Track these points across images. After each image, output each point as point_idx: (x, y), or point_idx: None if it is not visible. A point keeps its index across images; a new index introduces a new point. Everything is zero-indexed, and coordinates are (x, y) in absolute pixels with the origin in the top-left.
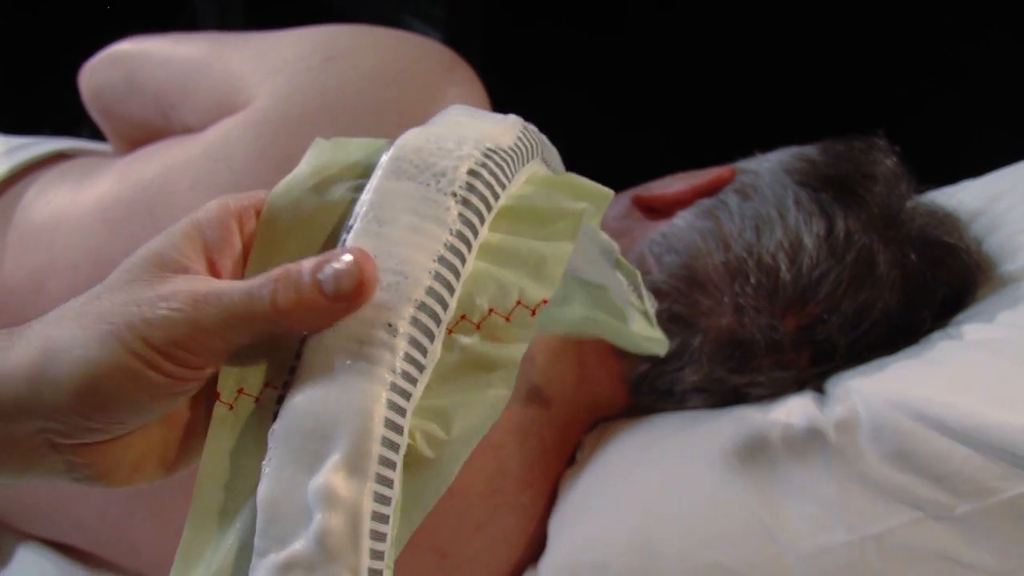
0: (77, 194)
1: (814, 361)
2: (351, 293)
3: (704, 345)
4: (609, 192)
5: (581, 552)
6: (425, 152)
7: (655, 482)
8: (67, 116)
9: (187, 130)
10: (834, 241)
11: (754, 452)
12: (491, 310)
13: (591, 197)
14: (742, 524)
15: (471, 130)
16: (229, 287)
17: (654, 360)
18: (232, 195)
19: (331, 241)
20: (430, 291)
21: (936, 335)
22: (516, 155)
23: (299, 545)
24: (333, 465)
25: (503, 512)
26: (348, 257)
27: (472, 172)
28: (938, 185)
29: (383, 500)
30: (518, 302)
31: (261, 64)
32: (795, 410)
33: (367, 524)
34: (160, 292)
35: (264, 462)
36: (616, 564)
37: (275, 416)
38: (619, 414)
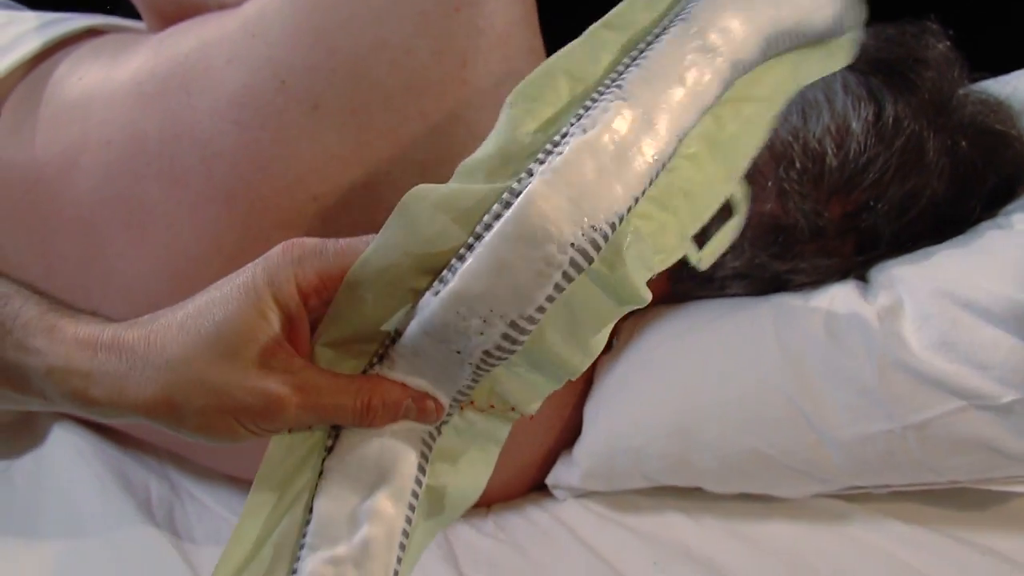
0: (111, 70)
1: (858, 249)
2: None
3: (746, 230)
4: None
5: (617, 437)
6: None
7: (693, 368)
8: None
9: (223, 5)
10: (883, 127)
11: (794, 339)
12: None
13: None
14: (781, 411)
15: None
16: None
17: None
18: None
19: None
20: (461, 391)
21: (984, 225)
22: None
23: (345, 547)
24: (385, 494)
25: None
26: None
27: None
28: (992, 73)
29: (408, 522)
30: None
31: None
32: (838, 298)
33: (398, 538)
34: (256, 385)
35: (320, 479)
36: (652, 449)
37: (328, 448)
38: (657, 301)
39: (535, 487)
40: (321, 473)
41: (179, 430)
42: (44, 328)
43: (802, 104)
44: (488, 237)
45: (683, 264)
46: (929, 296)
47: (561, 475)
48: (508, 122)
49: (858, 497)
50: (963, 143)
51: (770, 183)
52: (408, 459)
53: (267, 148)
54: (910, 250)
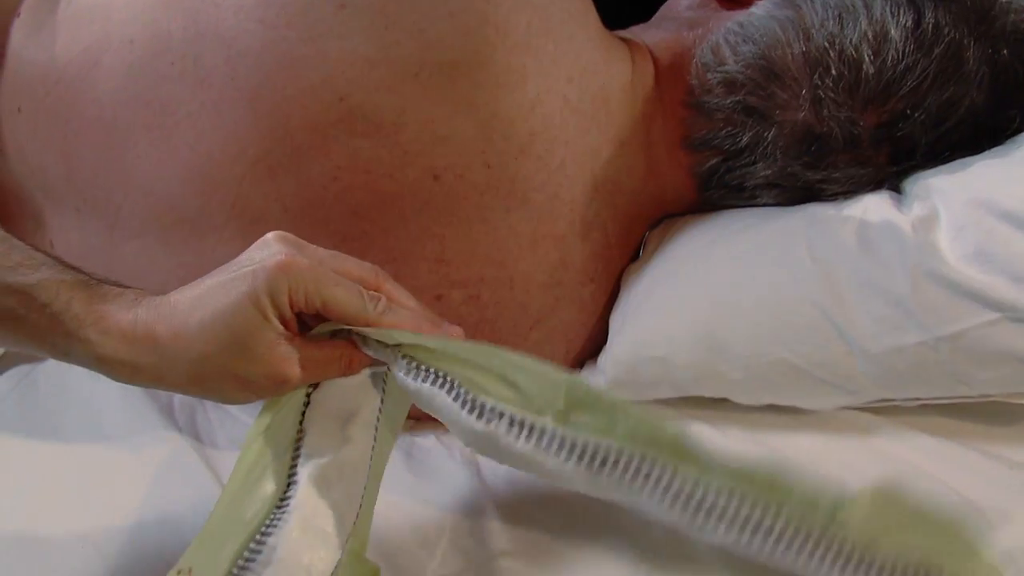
0: None
1: (893, 159)
2: None
3: (779, 139)
4: None
5: (642, 346)
6: None
7: (722, 277)
8: None
9: None
10: (921, 34)
11: (826, 249)
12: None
13: None
14: (811, 321)
15: None
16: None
17: (725, 154)
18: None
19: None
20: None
21: None
22: None
23: (330, 458)
24: (355, 423)
25: (563, 305)
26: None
27: None
28: None
29: (374, 439)
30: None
31: None
32: (871, 207)
33: (368, 453)
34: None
35: (307, 409)
36: (678, 358)
37: (314, 385)
38: (686, 210)
39: None
40: (308, 404)
41: (207, 399)
42: (93, 320)
43: (839, 10)
44: None
45: (712, 172)
46: (965, 206)
47: None
48: None
49: (886, 410)
50: (1004, 52)
51: (804, 90)
52: (371, 397)
53: (293, 47)
54: (946, 160)
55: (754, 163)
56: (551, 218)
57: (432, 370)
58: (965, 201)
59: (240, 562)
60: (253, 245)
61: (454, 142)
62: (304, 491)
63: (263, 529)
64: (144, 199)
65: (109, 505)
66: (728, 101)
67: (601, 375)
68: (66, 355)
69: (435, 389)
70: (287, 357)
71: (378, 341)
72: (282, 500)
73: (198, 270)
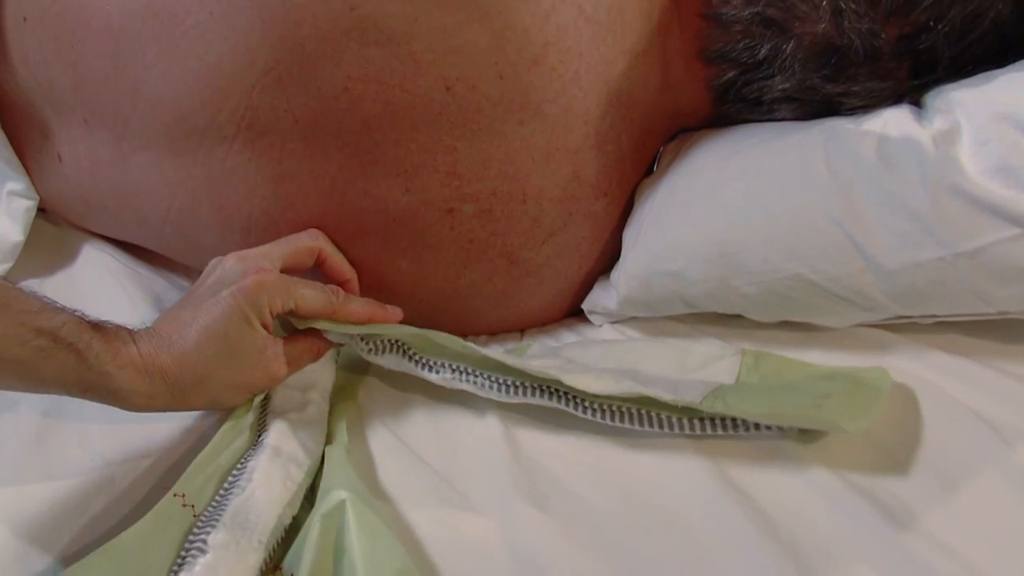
0: None
1: (914, 72)
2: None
3: (798, 51)
4: None
5: (656, 260)
6: None
7: (737, 192)
8: None
9: None
10: None
11: (844, 163)
12: None
13: None
14: (828, 236)
15: None
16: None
17: (742, 67)
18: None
19: None
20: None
21: None
22: None
23: (295, 414)
24: (315, 391)
25: (576, 220)
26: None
27: None
28: None
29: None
30: None
31: None
32: (891, 122)
33: (326, 414)
34: (264, 375)
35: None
36: (692, 273)
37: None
38: (701, 124)
39: (571, 313)
40: None
41: (213, 409)
42: (111, 356)
43: None
44: None
45: (729, 85)
46: (988, 120)
47: (598, 299)
48: None
49: (903, 327)
50: None
51: (824, 2)
52: (327, 371)
53: None
54: (969, 74)
55: (772, 76)
56: (565, 131)
57: (388, 342)
58: (988, 115)
59: (222, 491)
60: (214, 270)
61: (466, 52)
62: (273, 435)
63: (241, 461)
64: (152, 110)
65: (114, 416)
66: (746, 12)
67: (614, 290)
68: (87, 390)
69: (395, 357)
70: (276, 358)
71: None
72: (255, 445)
73: (207, 183)
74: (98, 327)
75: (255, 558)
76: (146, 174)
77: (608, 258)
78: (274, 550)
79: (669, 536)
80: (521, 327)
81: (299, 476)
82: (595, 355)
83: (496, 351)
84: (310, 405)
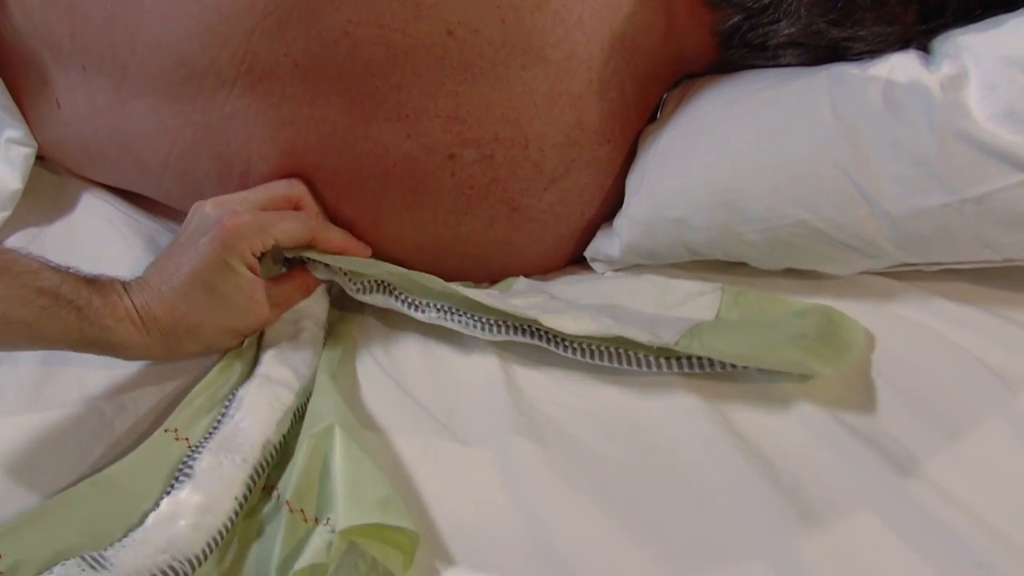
0: None
1: (922, 17)
2: None
3: None
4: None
5: (659, 207)
6: None
7: (742, 138)
8: None
9: None
10: None
11: (850, 109)
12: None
13: None
14: (833, 183)
15: None
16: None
17: (748, 11)
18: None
19: None
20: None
21: None
22: None
23: (286, 342)
24: (308, 321)
25: (579, 166)
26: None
27: None
28: None
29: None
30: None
31: None
32: (897, 67)
33: (322, 338)
34: (254, 318)
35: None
36: (696, 220)
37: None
38: (706, 70)
39: (573, 260)
40: None
41: (208, 354)
42: (109, 311)
43: None
44: None
45: (734, 30)
46: (997, 64)
47: (601, 247)
48: None
49: (907, 275)
50: None
51: None
52: (319, 304)
53: None
54: (978, 19)
55: (778, 21)
56: (568, 76)
57: (374, 282)
58: (997, 59)
59: (215, 423)
60: (194, 216)
61: None
62: (264, 364)
63: (233, 392)
64: (151, 55)
65: (112, 363)
66: None
67: (616, 238)
68: (88, 345)
69: (381, 296)
70: (264, 300)
71: (325, 265)
72: (249, 376)
73: (207, 129)
74: (93, 282)
75: (240, 475)
76: (145, 120)
77: (611, 205)
78: (264, 468)
79: (671, 482)
80: (522, 274)
81: (288, 398)
82: (579, 291)
83: (477, 292)
84: (303, 332)
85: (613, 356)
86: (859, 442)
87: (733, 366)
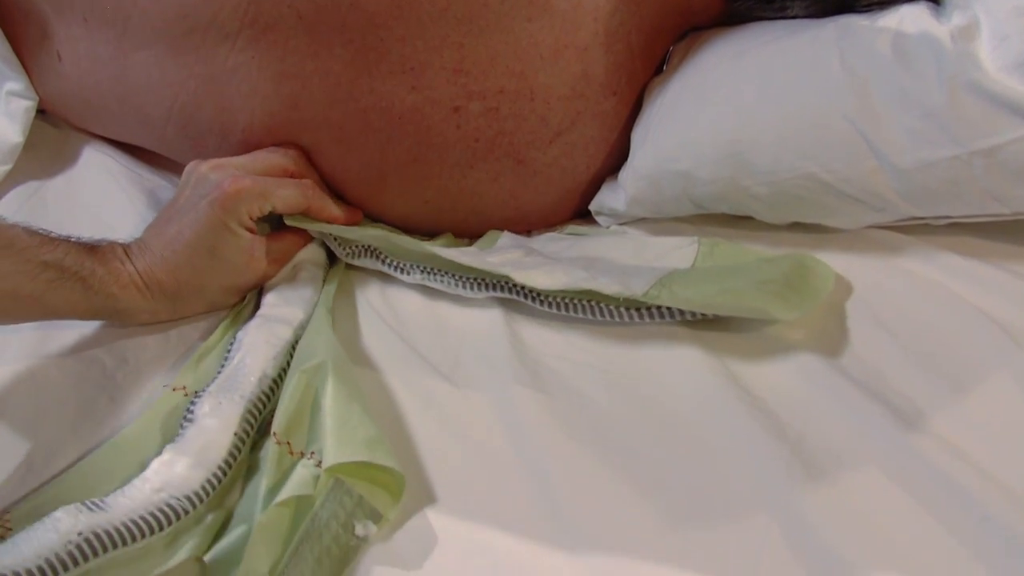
0: None
1: None
2: None
3: None
4: None
5: (665, 160)
6: None
7: (749, 89)
8: None
9: None
10: None
11: (859, 60)
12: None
13: None
14: (841, 135)
15: None
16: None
17: None
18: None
19: None
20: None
21: None
22: None
23: (284, 284)
24: (307, 261)
25: (584, 119)
26: None
27: None
28: None
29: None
30: None
31: None
32: (907, 18)
33: (322, 276)
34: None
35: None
36: (702, 172)
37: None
38: (712, 22)
39: (578, 214)
40: None
41: (212, 311)
42: (112, 278)
43: None
44: None
45: None
46: (1009, 15)
47: (606, 200)
48: None
49: (915, 229)
50: None
51: None
52: (318, 251)
53: None
54: None
55: None
56: (574, 28)
57: (362, 247)
58: (1010, 9)
59: (218, 369)
60: (191, 177)
61: None
62: (263, 307)
63: (234, 339)
64: (154, 7)
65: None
66: None
67: (621, 191)
68: (95, 313)
69: (370, 260)
70: (263, 257)
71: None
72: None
73: (210, 82)
74: (94, 250)
75: (237, 411)
76: (147, 73)
77: (616, 158)
78: (264, 403)
79: (673, 435)
80: (527, 228)
81: (286, 333)
82: (561, 247)
83: (454, 251)
84: (301, 272)
85: (584, 308)
86: (864, 396)
87: (703, 315)
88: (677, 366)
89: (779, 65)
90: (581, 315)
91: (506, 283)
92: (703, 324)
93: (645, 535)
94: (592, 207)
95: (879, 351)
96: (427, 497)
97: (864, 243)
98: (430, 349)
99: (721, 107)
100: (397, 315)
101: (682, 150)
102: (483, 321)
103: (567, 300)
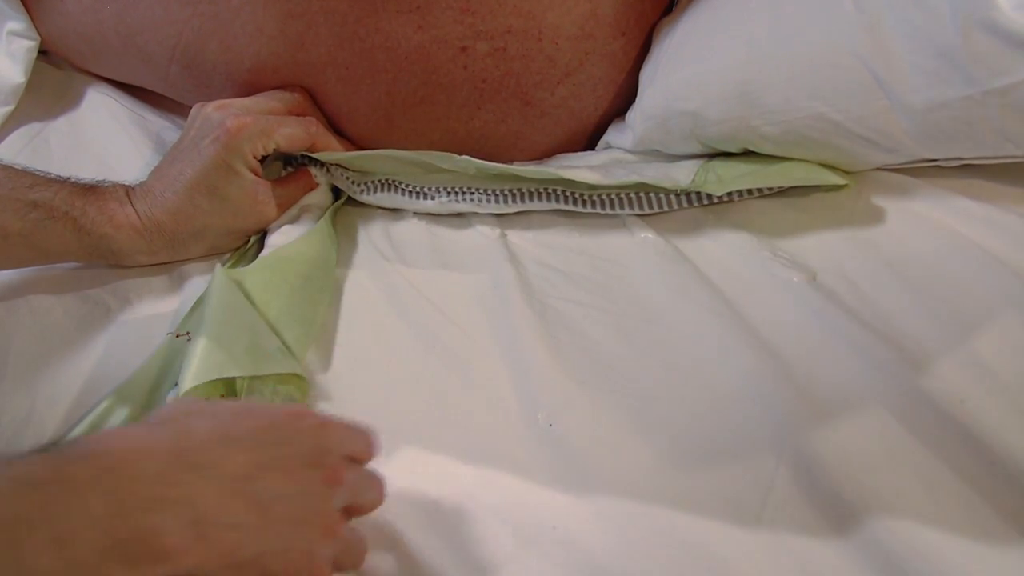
0: None
1: None
2: None
3: None
4: None
5: (674, 99)
6: None
7: (758, 28)
8: None
9: None
10: None
11: None
12: None
13: None
14: (852, 75)
15: None
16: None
17: None
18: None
19: None
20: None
21: None
22: None
23: (288, 224)
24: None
25: (592, 59)
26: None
27: None
28: None
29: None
30: None
31: None
32: None
33: (324, 219)
34: (257, 218)
35: None
36: (711, 112)
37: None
38: None
39: None
40: None
41: (212, 255)
42: (106, 219)
43: None
44: None
45: None
46: None
47: (613, 140)
48: None
49: (925, 172)
50: None
51: None
52: (324, 195)
53: None
54: None
55: None
56: None
57: (379, 181)
58: None
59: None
60: (195, 119)
61: None
62: (268, 245)
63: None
64: None
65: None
66: None
67: (630, 131)
68: (91, 254)
69: (387, 194)
70: (267, 201)
71: (327, 171)
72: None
73: (215, 20)
74: (92, 190)
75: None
76: (151, 11)
77: (624, 99)
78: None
79: (681, 378)
80: None
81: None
82: (580, 163)
83: (488, 163)
84: (305, 213)
85: (634, 202)
86: (874, 339)
87: (759, 191)
88: (683, 308)
89: (790, 3)
90: (631, 210)
91: (546, 190)
92: (710, 263)
93: (651, 474)
94: (599, 147)
95: (889, 294)
96: (428, 435)
97: (873, 185)
98: (432, 292)
99: (730, 46)
100: (399, 253)
101: (691, 89)
102: (488, 262)
103: (617, 194)
